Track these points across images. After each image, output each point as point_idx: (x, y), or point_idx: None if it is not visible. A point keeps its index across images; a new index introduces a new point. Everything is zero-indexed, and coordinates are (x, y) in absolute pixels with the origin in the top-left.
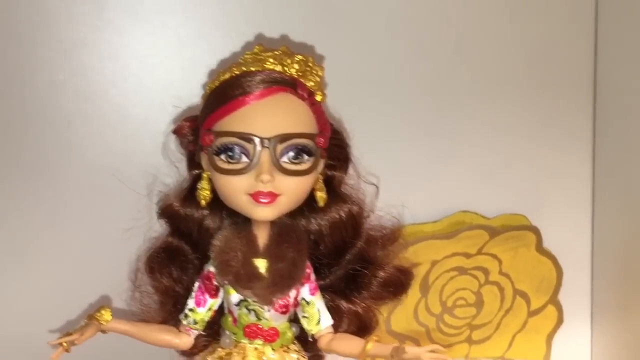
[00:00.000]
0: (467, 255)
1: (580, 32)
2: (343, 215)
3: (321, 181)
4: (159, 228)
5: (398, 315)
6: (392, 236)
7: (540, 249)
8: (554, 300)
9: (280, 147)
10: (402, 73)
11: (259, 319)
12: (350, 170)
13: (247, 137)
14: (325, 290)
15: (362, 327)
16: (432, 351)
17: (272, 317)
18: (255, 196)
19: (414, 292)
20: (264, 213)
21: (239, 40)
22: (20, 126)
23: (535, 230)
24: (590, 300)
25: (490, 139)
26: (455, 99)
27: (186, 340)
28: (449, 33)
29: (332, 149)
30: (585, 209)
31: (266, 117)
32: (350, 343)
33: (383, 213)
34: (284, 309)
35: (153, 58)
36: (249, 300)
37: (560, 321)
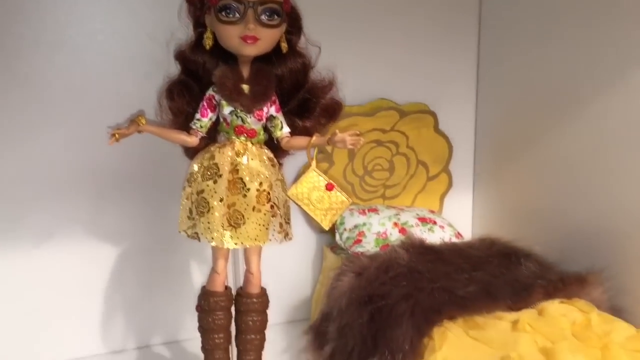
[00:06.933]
0: (383, 131)
1: None
2: (298, 64)
3: (284, 37)
4: (174, 70)
5: (332, 176)
6: (329, 83)
7: (437, 129)
8: (446, 169)
9: (260, 8)
10: None
11: (244, 123)
12: (302, 38)
13: (239, 0)
14: (285, 114)
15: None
16: (352, 134)
17: (252, 122)
18: (245, 38)
19: (343, 158)
20: (249, 50)
21: None
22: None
23: (433, 115)
24: (472, 170)
25: (405, 44)
26: (380, 12)
27: (194, 139)
28: None
29: (291, 20)
30: (471, 100)
31: None
32: (301, 139)
33: (323, 71)
34: (259, 117)
35: None
36: (237, 110)
37: (450, 185)
